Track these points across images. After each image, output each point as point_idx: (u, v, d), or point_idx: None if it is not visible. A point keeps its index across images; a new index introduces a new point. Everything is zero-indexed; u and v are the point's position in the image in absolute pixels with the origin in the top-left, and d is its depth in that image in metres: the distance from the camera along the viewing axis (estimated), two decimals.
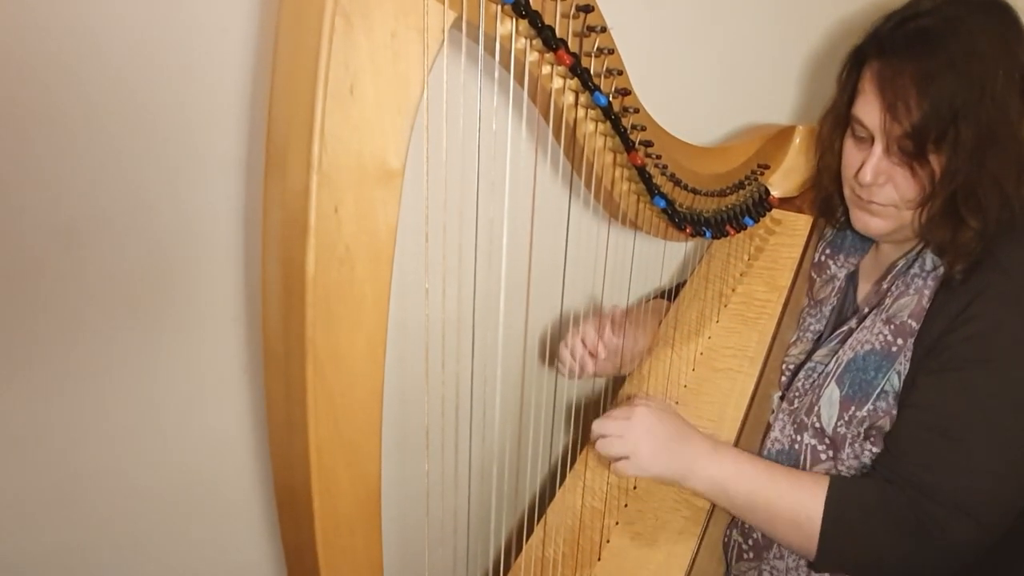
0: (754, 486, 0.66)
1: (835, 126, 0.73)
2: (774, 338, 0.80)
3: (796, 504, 0.64)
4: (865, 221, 0.72)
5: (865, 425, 0.69)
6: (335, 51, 0.42)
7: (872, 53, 0.67)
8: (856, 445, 0.69)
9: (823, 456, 0.71)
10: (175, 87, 0.67)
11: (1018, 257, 0.64)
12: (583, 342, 0.80)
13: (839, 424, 0.70)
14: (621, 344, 0.80)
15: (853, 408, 0.69)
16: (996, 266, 0.64)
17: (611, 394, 0.85)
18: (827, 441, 0.71)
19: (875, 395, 0.69)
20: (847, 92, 0.70)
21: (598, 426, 0.67)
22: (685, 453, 0.66)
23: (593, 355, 0.80)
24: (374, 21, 0.43)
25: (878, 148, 0.66)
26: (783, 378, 0.80)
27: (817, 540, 0.63)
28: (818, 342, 0.79)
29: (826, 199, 0.78)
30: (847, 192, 0.73)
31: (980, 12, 0.63)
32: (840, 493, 0.64)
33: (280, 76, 0.45)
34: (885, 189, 0.68)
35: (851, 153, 0.71)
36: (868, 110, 0.66)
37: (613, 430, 0.67)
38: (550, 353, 0.87)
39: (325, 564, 0.50)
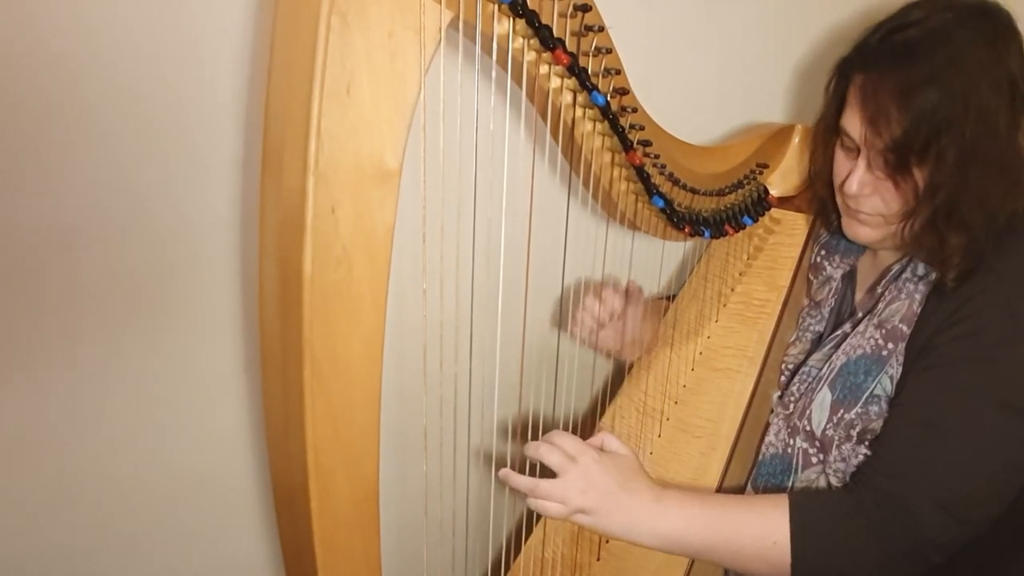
0: (710, 531, 0.62)
1: (826, 135, 0.72)
2: (773, 338, 0.80)
3: (759, 534, 0.62)
4: (855, 229, 0.72)
5: (857, 428, 0.68)
6: (332, 51, 0.42)
7: (857, 65, 0.66)
8: (845, 447, 0.69)
9: (813, 459, 0.71)
10: (174, 87, 0.67)
11: (1011, 263, 0.64)
12: (596, 307, 0.79)
13: (827, 426, 0.70)
14: (626, 315, 0.80)
15: (842, 411, 0.69)
16: (989, 271, 0.63)
17: (609, 396, 0.85)
18: (817, 444, 0.71)
19: (864, 398, 0.68)
20: (835, 103, 0.70)
21: (532, 490, 0.60)
22: (622, 510, 0.61)
23: (604, 320, 0.79)
24: (371, 21, 0.43)
25: (862, 161, 0.66)
26: (782, 378, 0.80)
27: (789, 563, 0.61)
28: (817, 343, 0.79)
29: (821, 205, 0.78)
30: (839, 200, 0.73)
31: (969, 21, 0.62)
32: (803, 510, 0.62)
33: (277, 76, 0.45)
34: (872, 200, 0.68)
35: (840, 162, 0.71)
36: (852, 122, 0.66)
37: (547, 493, 0.60)
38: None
39: (323, 564, 0.50)
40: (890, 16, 0.66)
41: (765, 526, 0.62)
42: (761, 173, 0.85)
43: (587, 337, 0.83)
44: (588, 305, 0.80)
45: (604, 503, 0.61)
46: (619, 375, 0.87)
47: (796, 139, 0.87)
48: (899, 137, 0.61)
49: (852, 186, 0.67)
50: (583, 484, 0.60)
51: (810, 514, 0.62)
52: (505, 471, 0.61)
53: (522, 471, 0.61)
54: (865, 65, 0.65)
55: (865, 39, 0.67)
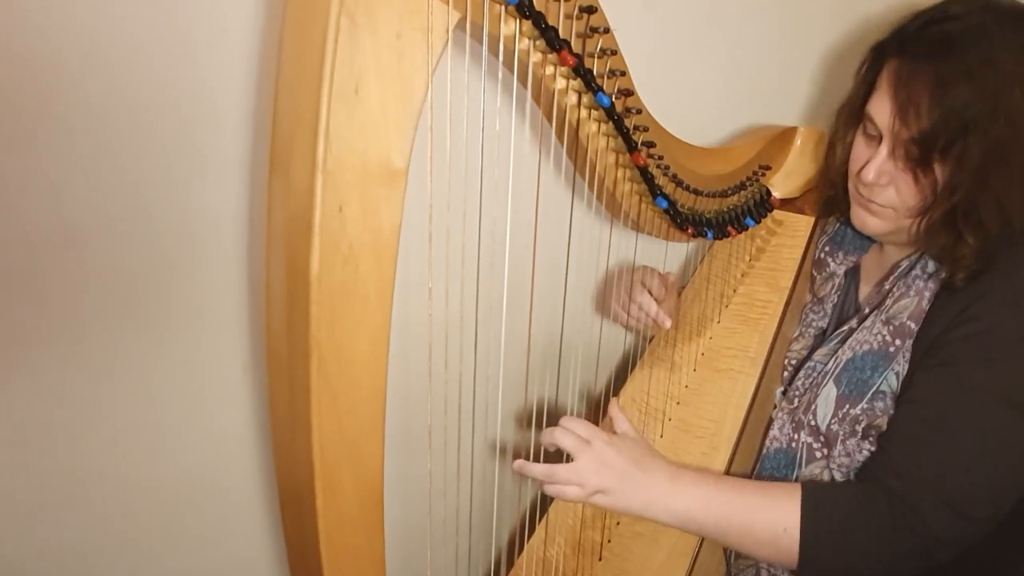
0: (722, 512, 0.63)
1: (849, 119, 0.72)
2: (775, 339, 0.80)
3: (771, 519, 0.62)
4: (863, 219, 0.71)
5: (862, 424, 0.69)
6: (340, 51, 0.42)
7: (893, 50, 0.65)
8: (849, 443, 0.69)
9: (817, 454, 0.72)
10: (174, 87, 0.67)
11: (1020, 263, 0.64)
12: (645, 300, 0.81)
13: (832, 421, 0.70)
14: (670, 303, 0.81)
15: (848, 406, 0.70)
16: (998, 271, 0.63)
17: (612, 395, 0.86)
18: (821, 439, 0.71)
19: (870, 394, 0.69)
20: (864, 87, 0.69)
21: (549, 475, 0.61)
22: (638, 488, 0.62)
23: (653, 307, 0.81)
24: (379, 22, 0.43)
25: (884, 149, 0.66)
26: (785, 373, 0.80)
27: (798, 552, 0.62)
28: (820, 338, 0.79)
29: (830, 190, 0.77)
30: (850, 187, 0.73)
31: (1009, 24, 0.61)
32: (815, 500, 0.63)
33: (285, 76, 0.45)
34: (887, 191, 0.68)
35: (859, 149, 0.70)
36: (880, 108, 0.66)
37: (565, 478, 0.61)
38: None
39: (328, 562, 0.50)
40: (929, 7, 0.65)
41: (777, 512, 0.63)
42: (763, 175, 0.85)
43: (630, 324, 0.84)
44: (637, 299, 0.82)
45: (621, 482, 0.62)
46: (622, 375, 0.88)
47: (798, 141, 0.88)
48: (927, 130, 0.61)
49: (869, 174, 0.66)
50: (598, 465, 0.62)
51: (822, 506, 0.62)
52: (520, 462, 0.62)
53: (535, 462, 0.62)
54: (901, 51, 0.64)
55: (903, 25, 0.66)
